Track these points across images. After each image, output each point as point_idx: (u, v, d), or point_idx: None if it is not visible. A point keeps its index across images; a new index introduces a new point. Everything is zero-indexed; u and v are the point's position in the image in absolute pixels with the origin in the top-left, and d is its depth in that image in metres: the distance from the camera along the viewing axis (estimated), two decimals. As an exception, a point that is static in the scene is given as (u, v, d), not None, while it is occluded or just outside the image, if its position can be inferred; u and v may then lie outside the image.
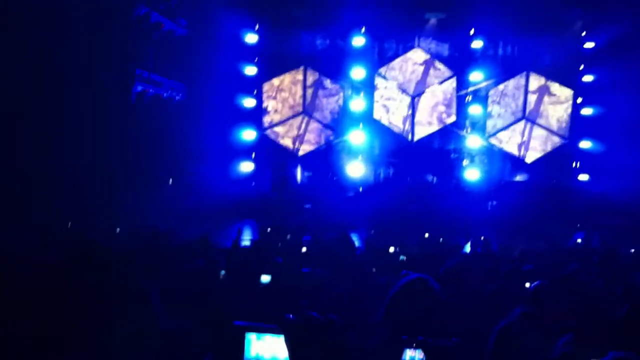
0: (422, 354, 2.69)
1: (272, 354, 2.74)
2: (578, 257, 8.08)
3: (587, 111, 17.65)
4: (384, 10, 17.18)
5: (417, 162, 17.63)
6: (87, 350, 1.77)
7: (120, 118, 13.14)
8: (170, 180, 15.32)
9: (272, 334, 2.73)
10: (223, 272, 5.74)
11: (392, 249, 8.51)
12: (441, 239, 9.72)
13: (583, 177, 17.56)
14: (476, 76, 17.83)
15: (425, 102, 18.29)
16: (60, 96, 11.48)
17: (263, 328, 2.76)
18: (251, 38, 17.95)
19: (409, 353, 2.70)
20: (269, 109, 18.41)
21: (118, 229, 10.15)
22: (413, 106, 18.26)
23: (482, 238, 9.45)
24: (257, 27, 17.98)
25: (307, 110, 18.36)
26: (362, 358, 2.70)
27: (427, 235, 10.21)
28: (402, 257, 7.75)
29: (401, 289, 3.06)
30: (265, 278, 5.23)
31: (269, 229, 10.91)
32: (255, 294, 4.36)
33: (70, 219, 10.22)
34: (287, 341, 2.53)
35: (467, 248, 9.39)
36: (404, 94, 18.31)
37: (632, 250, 9.17)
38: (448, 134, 18.19)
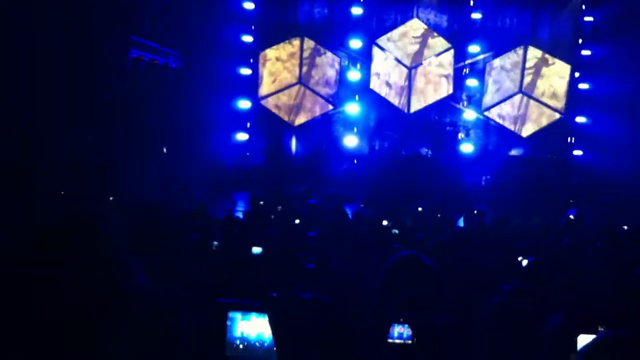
0: (410, 330, 2.68)
1: (257, 333, 2.70)
2: (570, 233, 8.10)
3: (584, 86, 17.57)
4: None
5: (413, 134, 17.57)
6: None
7: (115, 84, 13.03)
8: (165, 149, 15.24)
9: (256, 312, 2.69)
10: (216, 243, 5.74)
11: (385, 222, 8.50)
12: (439, 215, 9.72)
13: (578, 152, 17.54)
14: (474, 49, 17.69)
15: (422, 74, 18.16)
16: (54, 61, 11.35)
17: (247, 306, 2.72)
18: (248, 5, 17.72)
19: (397, 329, 2.69)
20: (265, 78, 18.24)
21: (111, 198, 10.13)
22: (410, 78, 18.13)
23: (476, 212, 9.46)
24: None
25: (304, 80, 18.22)
26: (350, 336, 2.69)
27: (420, 209, 10.21)
28: (394, 231, 7.75)
29: (392, 265, 3.04)
30: (257, 249, 5.21)
31: (261, 202, 10.90)
32: (248, 267, 4.34)
33: (65, 188, 10.20)
34: (270, 320, 2.50)
35: (461, 222, 9.42)
36: (401, 66, 18.16)
37: (625, 227, 9.17)
38: (444, 107, 18.10)
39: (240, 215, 9.82)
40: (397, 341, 2.69)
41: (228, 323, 2.70)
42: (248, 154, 17.92)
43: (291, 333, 2.39)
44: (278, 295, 2.45)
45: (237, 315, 2.71)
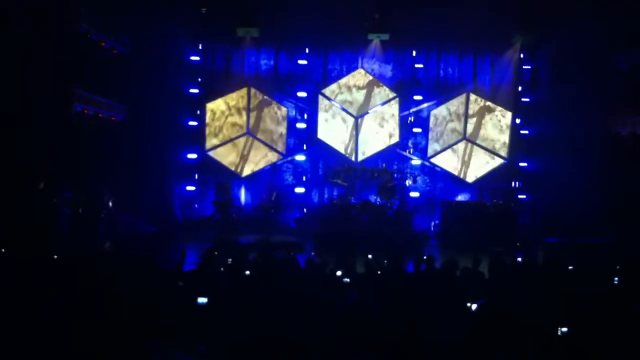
0: None
1: None
2: (517, 274, 8.20)
3: (526, 132, 18.18)
4: (327, 31, 17.32)
5: (361, 182, 17.74)
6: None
7: (58, 139, 12.79)
8: (110, 202, 14.94)
9: None
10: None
11: (338, 273, 8.42)
12: (385, 261, 9.71)
13: (523, 195, 18.00)
14: (418, 97, 18.15)
15: (368, 123, 18.45)
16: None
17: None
18: (194, 58, 17.80)
19: None
20: (213, 129, 18.21)
21: (55, 256, 9.80)
22: (357, 127, 18.39)
23: (425, 257, 9.49)
24: (200, 46, 17.85)
25: (251, 130, 18.26)
26: None
27: (370, 256, 10.19)
28: (345, 280, 7.70)
29: (342, 313, 3.01)
30: (202, 299, 5.08)
31: (215, 252, 10.72)
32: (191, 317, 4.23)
33: (6, 243, 9.84)
34: None
35: (411, 267, 9.42)
36: (347, 115, 18.42)
37: (571, 267, 9.34)
38: (391, 155, 18.36)
39: (190, 267, 9.61)
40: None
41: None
42: (196, 205, 17.76)
43: None
44: (205, 349, 2.37)
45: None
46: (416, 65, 18.19)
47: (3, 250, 9.81)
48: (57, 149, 12.53)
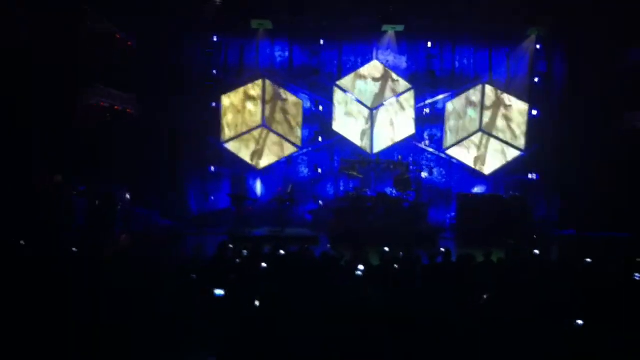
0: None
1: None
2: (533, 268, 8.16)
3: (542, 123, 18.02)
4: (342, 22, 17.24)
5: (377, 174, 17.70)
6: None
7: (73, 131, 12.88)
8: (128, 195, 15.03)
9: None
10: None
11: (361, 267, 8.37)
12: (401, 253, 9.68)
13: (539, 188, 17.86)
14: (433, 89, 18.05)
15: (383, 115, 18.36)
16: (8, 110, 11.21)
17: None
18: (208, 50, 17.79)
19: None
20: (228, 121, 18.22)
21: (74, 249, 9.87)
22: (372, 119, 18.32)
23: (442, 249, 9.45)
24: (214, 39, 17.83)
25: (266, 122, 18.25)
26: None
27: (386, 248, 10.16)
28: (358, 272, 7.67)
29: (350, 307, 3.00)
30: (219, 291, 5.10)
31: (230, 245, 10.77)
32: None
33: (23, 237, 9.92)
34: None
35: (427, 259, 9.39)
36: (362, 107, 18.35)
37: (588, 260, 9.26)
38: (407, 147, 18.27)
39: (206, 259, 9.65)
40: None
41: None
42: (212, 197, 17.81)
43: None
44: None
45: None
46: (431, 57, 18.07)
47: (22, 242, 9.90)
48: (72, 142, 12.62)
